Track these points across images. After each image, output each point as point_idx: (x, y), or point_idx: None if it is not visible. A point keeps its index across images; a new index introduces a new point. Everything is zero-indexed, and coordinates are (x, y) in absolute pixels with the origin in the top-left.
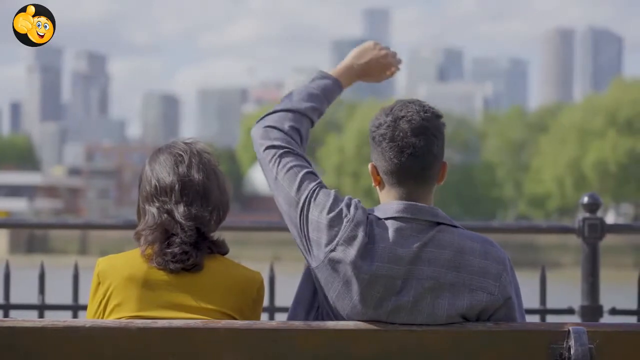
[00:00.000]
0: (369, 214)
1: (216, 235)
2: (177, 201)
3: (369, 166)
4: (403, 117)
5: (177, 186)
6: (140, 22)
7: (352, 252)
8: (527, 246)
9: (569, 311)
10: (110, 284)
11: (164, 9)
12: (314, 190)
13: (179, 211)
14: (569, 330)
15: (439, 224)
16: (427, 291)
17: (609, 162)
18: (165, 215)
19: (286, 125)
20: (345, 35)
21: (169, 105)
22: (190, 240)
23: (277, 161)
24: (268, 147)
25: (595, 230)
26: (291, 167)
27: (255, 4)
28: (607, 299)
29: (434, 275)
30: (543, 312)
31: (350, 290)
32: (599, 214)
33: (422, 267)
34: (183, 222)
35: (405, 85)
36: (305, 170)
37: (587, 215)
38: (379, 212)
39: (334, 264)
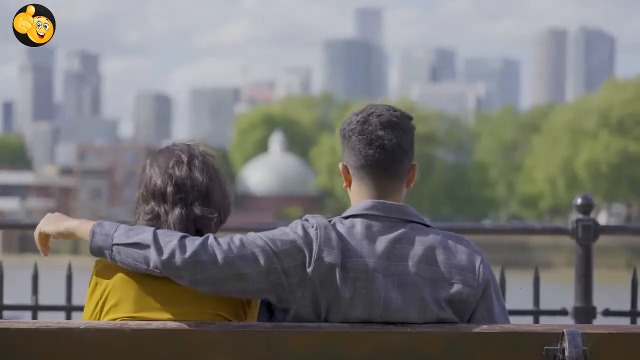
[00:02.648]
0: (331, 218)
1: None
2: (174, 203)
3: (340, 166)
4: (373, 113)
5: (175, 188)
6: (133, 21)
7: (335, 252)
8: (519, 246)
9: (563, 312)
10: (108, 285)
11: (157, 8)
12: (264, 236)
13: (175, 213)
14: (563, 332)
15: (409, 221)
16: (410, 286)
17: (601, 162)
18: (163, 216)
19: (177, 235)
20: (337, 35)
21: (162, 105)
22: None
23: (232, 251)
24: (210, 254)
25: (588, 232)
26: (231, 243)
27: (248, 4)
28: (600, 299)
29: (413, 271)
30: (536, 313)
31: (340, 294)
32: (591, 214)
33: (398, 264)
34: (177, 223)
35: (398, 85)
36: (237, 235)
37: (581, 216)
38: (347, 212)
39: (322, 274)
